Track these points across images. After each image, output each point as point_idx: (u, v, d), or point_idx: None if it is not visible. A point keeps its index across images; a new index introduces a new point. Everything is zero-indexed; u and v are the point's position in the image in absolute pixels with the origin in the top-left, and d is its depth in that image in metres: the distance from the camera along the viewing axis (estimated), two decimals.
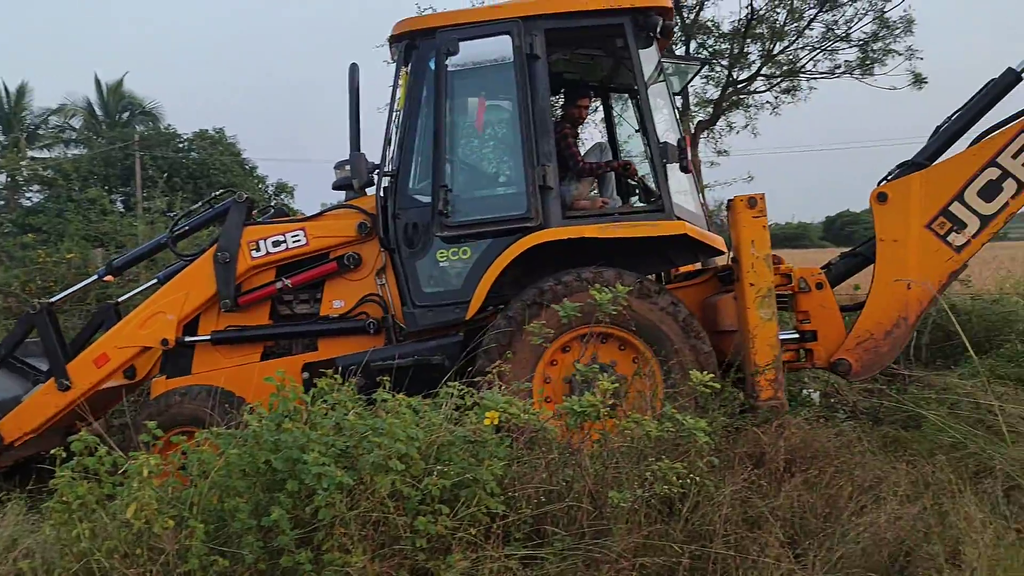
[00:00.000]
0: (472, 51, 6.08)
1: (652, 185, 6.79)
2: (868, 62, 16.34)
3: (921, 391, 6.75)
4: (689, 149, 6.29)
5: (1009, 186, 5.55)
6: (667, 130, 6.43)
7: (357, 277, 6.30)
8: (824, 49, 16.36)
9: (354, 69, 6.34)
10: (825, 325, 5.80)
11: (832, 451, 4.80)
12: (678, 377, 5.39)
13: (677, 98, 8.00)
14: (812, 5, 16.13)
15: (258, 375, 5.78)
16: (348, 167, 6.23)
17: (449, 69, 5.99)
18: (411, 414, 3.76)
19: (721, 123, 18.81)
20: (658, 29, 6.14)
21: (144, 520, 3.25)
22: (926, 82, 16.18)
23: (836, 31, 16.31)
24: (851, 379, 5.66)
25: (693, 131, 16.48)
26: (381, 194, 6.20)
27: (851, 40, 16.33)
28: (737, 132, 18.72)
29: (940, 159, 5.88)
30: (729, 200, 5.76)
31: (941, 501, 4.34)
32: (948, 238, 5.62)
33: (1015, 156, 5.52)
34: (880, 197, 5.74)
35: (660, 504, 3.91)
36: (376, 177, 6.24)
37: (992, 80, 5.80)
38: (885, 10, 15.94)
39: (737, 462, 4.35)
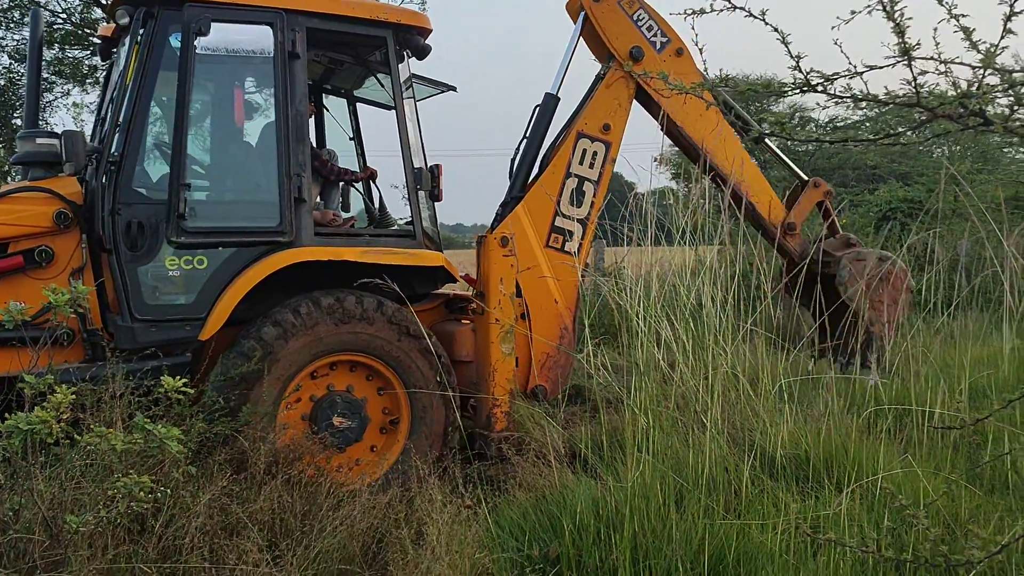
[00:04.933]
0: (224, 35, 5.43)
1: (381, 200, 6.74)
2: None
3: None
4: (442, 177, 6.27)
5: (588, 188, 6.33)
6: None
7: (46, 276, 5.10)
8: None
9: (37, 15, 4.86)
10: (524, 353, 6.00)
11: (316, 451, 4.88)
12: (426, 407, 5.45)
13: None
14: None
15: None
16: (39, 141, 5.24)
17: (197, 51, 5.25)
18: None
19: None
20: (418, 49, 6.03)
21: None
22: None
23: None
24: (549, 399, 5.95)
25: None
26: (100, 182, 5.14)
27: None
28: None
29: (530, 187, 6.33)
30: (481, 237, 5.88)
31: (410, 487, 4.64)
32: (565, 248, 6.27)
33: (581, 161, 6.31)
34: (504, 241, 6.05)
35: (131, 523, 3.61)
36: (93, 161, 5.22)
37: (537, 106, 6.42)
38: None
39: (217, 469, 4.21)
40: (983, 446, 4.98)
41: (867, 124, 21.74)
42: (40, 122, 5.66)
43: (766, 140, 6.82)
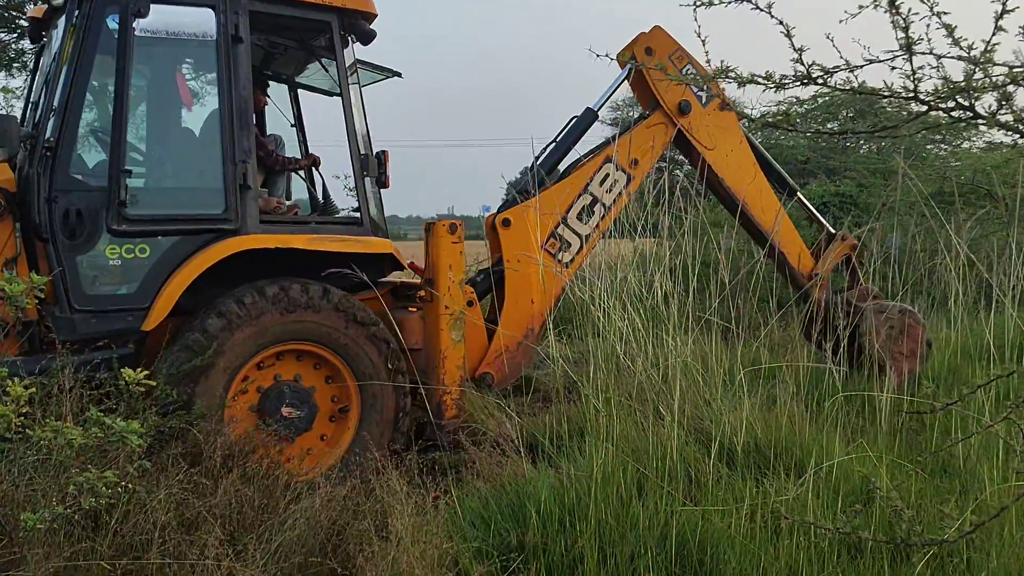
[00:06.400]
0: (164, 18, 5.30)
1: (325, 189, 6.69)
2: None
3: None
4: (388, 164, 6.25)
5: (599, 209, 6.49)
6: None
7: None
8: None
9: None
10: (472, 341, 6.00)
11: (269, 444, 4.82)
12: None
13: None
14: None
15: None
16: None
17: (136, 34, 5.09)
18: None
19: None
20: (363, 34, 5.95)
21: None
22: None
23: None
24: (493, 389, 6.01)
25: None
26: (35, 169, 4.96)
27: None
28: None
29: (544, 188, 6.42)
30: (429, 223, 5.88)
31: (369, 478, 4.62)
32: (559, 256, 6.36)
33: (601, 184, 6.49)
34: (505, 223, 6.20)
35: (85, 520, 3.52)
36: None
37: (575, 117, 6.59)
38: None
39: (171, 463, 4.12)
40: (921, 432, 5.18)
41: (798, 118, 22.08)
42: None
43: (799, 195, 7.21)
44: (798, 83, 2.39)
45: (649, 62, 6.53)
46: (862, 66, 2.29)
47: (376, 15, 6.05)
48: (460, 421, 5.59)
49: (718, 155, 6.75)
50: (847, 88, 2.33)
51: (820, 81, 2.34)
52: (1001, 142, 14.39)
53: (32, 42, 6.49)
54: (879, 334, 6.36)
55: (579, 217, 6.43)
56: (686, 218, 5.04)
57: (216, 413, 4.86)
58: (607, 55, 3.66)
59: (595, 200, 6.49)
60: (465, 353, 5.84)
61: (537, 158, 6.56)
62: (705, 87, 6.59)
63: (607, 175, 6.51)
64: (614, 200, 6.52)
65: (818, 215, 7.54)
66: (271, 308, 5.17)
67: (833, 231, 7.26)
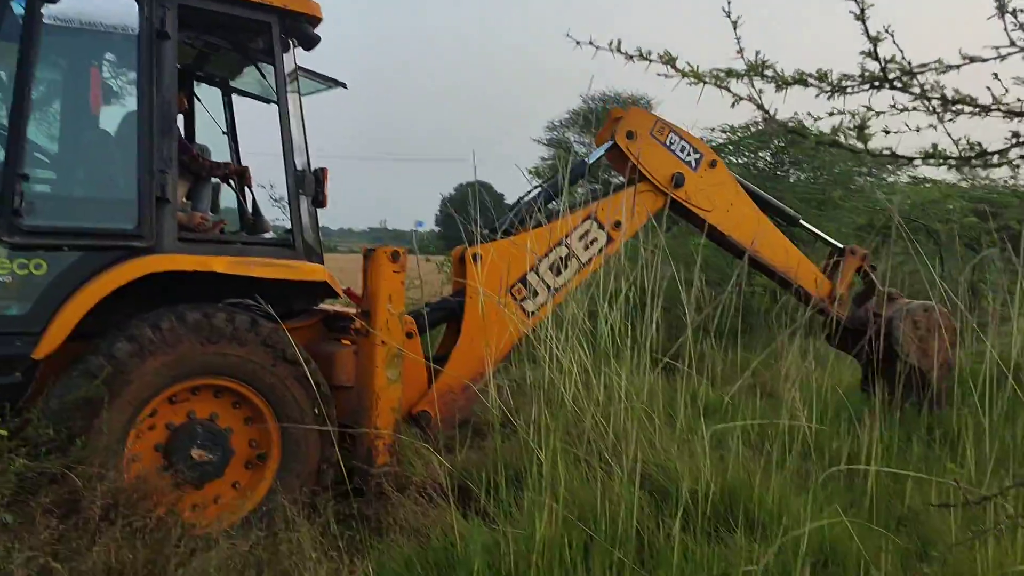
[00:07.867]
0: (80, 5, 4.76)
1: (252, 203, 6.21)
2: None
3: None
4: (327, 181, 5.70)
5: (573, 264, 6.13)
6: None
7: None
8: None
9: None
10: (411, 376, 5.50)
11: (165, 490, 4.21)
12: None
13: None
14: None
15: None
16: None
17: (45, 21, 4.57)
18: None
19: None
20: (306, 38, 5.49)
21: None
22: None
23: None
24: (430, 431, 5.50)
25: None
26: None
27: None
28: None
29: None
30: (369, 249, 5.45)
31: (275, 530, 4.09)
32: (523, 304, 5.96)
33: (580, 240, 6.18)
34: (475, 257, 5.73)
35: None
36: None
37: (567, 165, 6.28)
38: None
39: (40, 515, 3.51)
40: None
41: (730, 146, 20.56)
42: None
43: (801, 221, 7.17)
44: (866, 86, 1.84)
45: (632, 145, 6.29)
46: (959, 65, 1.77)
47: (321, 19, 5.58)
48: (393, 468, 5.07)
49: (720, 214, 6.52)
50: (936, 96, 1.80)
51: (899, 85, 1.80)
52: (925, 177, 14.25)
53: None
54: (911, 342, 6.36)
55: (551, 268, 6.08)
56: (644, 250, 4.62)
57: (114, 451, 4.25)
58: (591, 43, 3.14)
59: (571, 254, 6.17)
60: (401, 392, 5.34)
61: (520, 199, 6.33)
62: (691, 149, 6.42)
63: (587, 232, 6.21)
64: (590, 258, 6.19)
65: (823, 235, 7.42)
66: (191, 336, 4.61)
67: (841, 246, 7.13)
